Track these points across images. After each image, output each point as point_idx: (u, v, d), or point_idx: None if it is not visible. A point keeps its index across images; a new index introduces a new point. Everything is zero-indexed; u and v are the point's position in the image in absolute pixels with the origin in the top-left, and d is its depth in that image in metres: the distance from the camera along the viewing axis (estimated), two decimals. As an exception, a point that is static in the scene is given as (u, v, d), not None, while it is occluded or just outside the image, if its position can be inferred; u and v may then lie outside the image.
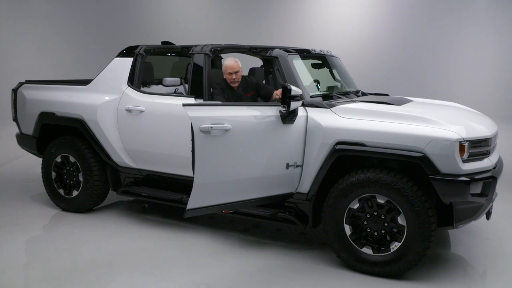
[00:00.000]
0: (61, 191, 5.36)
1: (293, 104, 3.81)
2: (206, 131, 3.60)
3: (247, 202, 3.97)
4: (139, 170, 4.94)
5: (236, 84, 4.54)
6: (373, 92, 5.35)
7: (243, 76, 4.67)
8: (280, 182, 4.04)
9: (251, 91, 4.67)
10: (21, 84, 5.67)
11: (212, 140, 3.62)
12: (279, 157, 3.95)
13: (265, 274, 3.88)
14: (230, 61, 4.51)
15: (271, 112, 3.89)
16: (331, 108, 3.95)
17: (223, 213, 4.52)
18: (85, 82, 5.30)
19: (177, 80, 5.71)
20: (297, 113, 3.92)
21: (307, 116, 3.97)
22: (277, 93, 4.31)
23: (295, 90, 3.80)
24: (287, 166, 3.98)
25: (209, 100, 4.37)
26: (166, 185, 4.85)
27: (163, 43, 5.37)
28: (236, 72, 4.50)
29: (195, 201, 3.67)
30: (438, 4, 9.38)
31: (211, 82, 4.62)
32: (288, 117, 3.88)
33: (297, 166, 4.01)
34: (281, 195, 4.11)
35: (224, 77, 4.56)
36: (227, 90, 4.55)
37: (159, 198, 4.78)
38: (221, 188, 3.77)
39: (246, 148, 3.80)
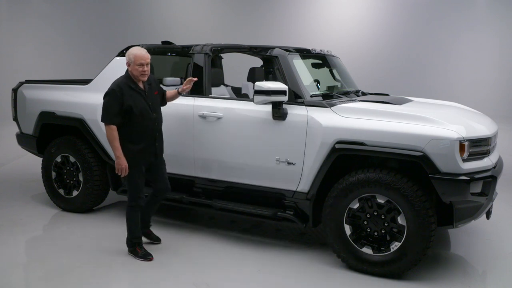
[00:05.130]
0: (61, 191, 5.36)
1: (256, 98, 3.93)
2: (203, 117, 4.37)
3: (235, 184, 4.37)
4: (139, 170, 4.94)
5: (146, 78, 3.93)
6: (373, 92, 5.35)
7: None
8: (270, 175, 4.15)
9: (156, 89, 4.12)
10: (21, 83, 5.67)
11: (207, 125, 4.35)
12: (267, 151, 4.13)
13: (265, 274, 3.88)
14: (139, 50, 3.89)
15: (262, 107, 4.12)
16: (331, 108, 3.96)
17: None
18: (85, 81, 5.30)
19: (177, 80, 5.70)
20: (286, 111, 4.03)
21: (307, 115, 3.98)
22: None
23: (258, 85, 3.91)
24: (277, 161, 4.07)
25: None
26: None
27: (163, 43, 5.37)
28: (147, 64, 3.88)
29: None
30: (438, 4, 9.37)
31: (211, 81, 4.63)
32: (276, 113, 4.02)
33: (289, 163, 4.02)
34: (273, 190, 4.20)
35: (130, 70, 3.89)
36: (130, 91, 3.88)
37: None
38: (212, 165, 4.41)
39: (234, 135, 4.26)
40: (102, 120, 3.90)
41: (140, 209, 4.13)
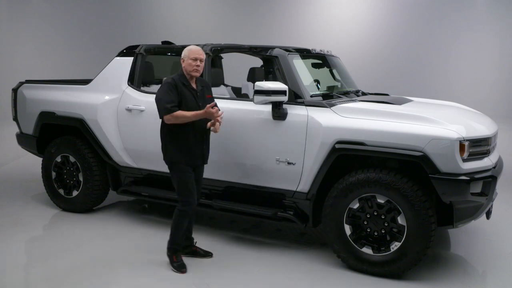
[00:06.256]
0: (61, 191, 5.36)
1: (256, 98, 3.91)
2: None
3: (235, 184, 4.34)
4: (139, 169, 4.94)
5: (198, 74, 3.85)
6: (373, 92, 5.35)
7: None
8: (270, 175, 4.15)
9: (209, 93, 4.03)
10: (21, 83, 5.67)
11: None
12: (267, 151, 4.11)
13: (265, 274, 3.88)
14: (194, 46, 3.88)
15: (262, 107, 4.09)
16: (331, 108, 3.96)
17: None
18: (85, 81, 5.30)
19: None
20: (286, 111, 4.02)
21: (307, 115, 3.98)
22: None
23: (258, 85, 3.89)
24: (277, 161, 4.06)
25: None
26: (166, 185, 4.85)
27: (163, 42, 5.38)
28: (201, 60, 3.82)
29: None
30: (438, 4, 9.37)
31: (211, 81, 4.63)
32: (276, 113, 4.00)
33: (289, 163, 4.02)
34: (273, 190, 4.21)
35: (184, 66, 3.82)
36: (182, 88, 3.80)
37: (159, 197, 4.79)
38: (212, 165, 4.26)
39: (234, 135, 4.22)
40: (161, 115, 3.73)
41: (188, 216, 3.89)
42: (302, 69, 4.38)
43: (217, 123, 3.75)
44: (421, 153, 3.53)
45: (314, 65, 4.76)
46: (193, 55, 3.79)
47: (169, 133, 3.81)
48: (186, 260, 4.07)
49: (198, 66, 3.80)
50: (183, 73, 3.85)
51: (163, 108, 3.70)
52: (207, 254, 4.16)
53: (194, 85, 3.88)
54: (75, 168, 5.23)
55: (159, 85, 5.41)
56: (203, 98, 3.91)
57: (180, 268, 3.89)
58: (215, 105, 3.74)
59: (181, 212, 3.86)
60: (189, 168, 3.85)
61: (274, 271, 3.92)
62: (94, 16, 10.49)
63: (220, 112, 3.72)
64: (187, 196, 3.84)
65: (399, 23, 9.64)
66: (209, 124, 3.76)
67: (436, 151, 3.49)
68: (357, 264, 3.86)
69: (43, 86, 5.52)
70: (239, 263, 4.07)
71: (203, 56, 3.85)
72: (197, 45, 4.66)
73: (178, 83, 3.78)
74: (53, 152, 5.33)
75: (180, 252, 3.99)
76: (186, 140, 3.79)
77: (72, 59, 9.96)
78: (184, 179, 3.83)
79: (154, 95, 4.70)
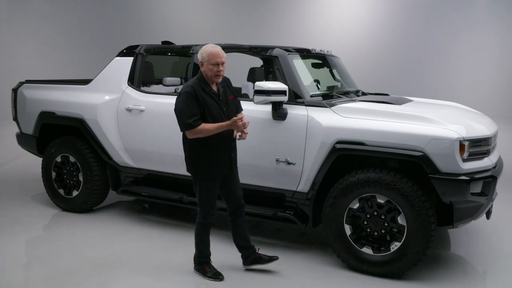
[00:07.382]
0: (61, 191, 5.36)
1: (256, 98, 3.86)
2: None
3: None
4: (139, 169, 4.94)
5: (220, 79, 3.51)
6: (373, 92, 5.35)
7: None
8: (270, 175, 4.16)
9: (231, 93, 3.71)
10: (21, 83, 5.67)
11: None
12: (267, 151, 4.11)
13: (265, 274, 3.88)
14: (214, 48, 3.46)
15: (262, 107, 4.09)
16: (331, 108, 3.96)
17: None
18: (85, 81, 5.30)
19: (177, 79, 5.71)
20: (286, 111, 4.01)
21: (307, 115, 3.98)
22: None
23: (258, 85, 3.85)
24: (277, 161, 4.06)
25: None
26: (166, 185, 4.86)
27: (163, 42, 5.38)
28: (223, 63, 3.46)
29: None
30: (438, 4, 9.37)
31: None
32: (276, 113, 4.00)
33: (289, 163, 4.02)
34: (272, 190, 4.21)
35: (203, 71, 3.48)
36: (203, 94, 3.46)
37: (159, 197, 4.79)
38: None
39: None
40: (182, 130, 3.47)
41: (210, 227, 3.74)
42: (302, 69, 4.38)
43: (244, 134, 3.55)
44: (421, 153, 3.53)
45: (314, 65, 4.76)
46: (214, 60, 3.42)
47: (192, 144, 3.54)
48: (186, 259, 4.07)
49: (220, 71, 3.45)
50: (202, 77, 3.51)
51: (185, 123, 3.40)
52: (271, 259, 3.89)
53: (215, 88, 3.56)
54: (75, 168, 5.23)
55: (159, 85, 5.50)
56: (226, 101, 3.62)
57: (217, 276, 3.72)
58: (243, 116, 3.50)
59: (201, 225, 3.72)
60: (214, 180, 3.62)
61: (274, 271, 3.92)
62: (94, 16, 10.49)
63: (246, 124, 3.47)
64: (208, 208, 3.66)
65: (399, 23, 9.63)
66: (235, 133, 3.56)
67: (436, 151, 3.50)
68: (357, 264, 3.86)
69: (43, 86, 5.52)
70: (239, 263, 4.06)
71: (225, 58, 3.47)
72: (196, 45, 4.68)
73: (198, 90, 3.44)
74: (53, 152, 5.33)
75: (210, 262, 3.84)
76: (211, 151, 3.52)
77: (72, 59, 9.96)
78: (206, 192, 3.63)
79: (154, 95, 4.77)
